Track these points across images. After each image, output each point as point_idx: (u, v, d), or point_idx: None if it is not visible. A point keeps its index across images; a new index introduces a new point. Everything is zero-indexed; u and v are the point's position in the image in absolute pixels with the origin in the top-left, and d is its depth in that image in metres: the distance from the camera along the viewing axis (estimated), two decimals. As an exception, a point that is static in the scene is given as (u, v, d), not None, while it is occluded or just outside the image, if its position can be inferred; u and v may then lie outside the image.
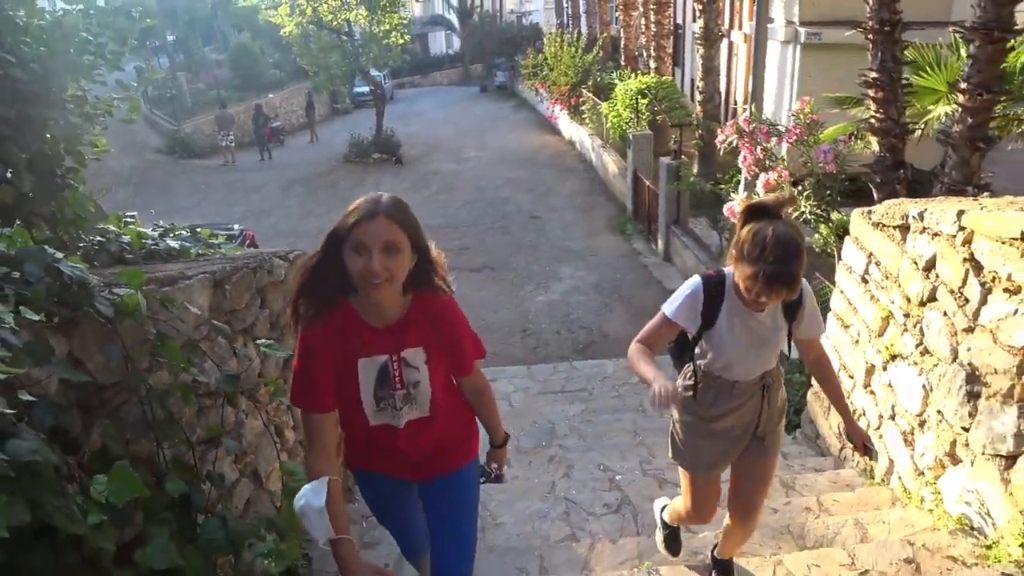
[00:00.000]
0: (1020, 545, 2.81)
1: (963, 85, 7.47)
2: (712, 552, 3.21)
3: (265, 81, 30.69)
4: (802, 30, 14.20)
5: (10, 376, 1.62)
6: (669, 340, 2.73)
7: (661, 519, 3.35)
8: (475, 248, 13.40)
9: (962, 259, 3.23)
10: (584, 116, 20.10)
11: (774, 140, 6.28)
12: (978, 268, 3.13)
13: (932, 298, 3.52)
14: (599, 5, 30.23)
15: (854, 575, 3.01)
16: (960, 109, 7.72)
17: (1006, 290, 2.94)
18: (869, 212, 4.26)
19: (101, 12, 3.43)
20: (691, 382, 2.71)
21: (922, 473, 3.66)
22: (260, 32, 37.33)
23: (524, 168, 19.74)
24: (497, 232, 14.39)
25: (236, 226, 12.30)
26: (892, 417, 3.97)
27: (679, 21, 21.67)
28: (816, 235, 6.63)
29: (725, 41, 19.37)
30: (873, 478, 4.17)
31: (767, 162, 6.33)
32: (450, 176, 19.24)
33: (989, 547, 3.05)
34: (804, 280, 2.42)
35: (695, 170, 12.74)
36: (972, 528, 3.21)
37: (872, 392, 4.20)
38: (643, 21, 19.96)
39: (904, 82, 8.81)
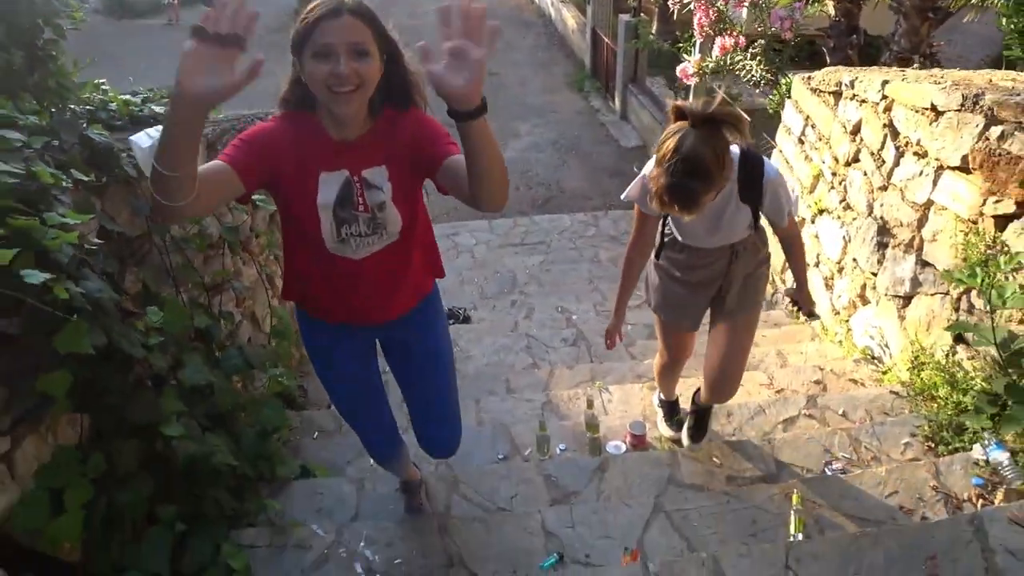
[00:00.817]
0: (907, 369, 3.37)
1: (918, -46, 7.61)
2: (693, 398, 3.15)
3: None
4: None
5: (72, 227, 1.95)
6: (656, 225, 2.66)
7: (659, 399, 3.39)
8: (431, 106, 13.38)
9: (882, 124, 3.63)
10: (543, -35, 19.56)
11: (731, 2, 6.45)
12: (895, 133, 3.54)
13: (856, 159, 3.93)
14: None
15: (771, 392, 3.58)
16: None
17: (915, 153, 3.37)
18: (809, 78, 4.59)
19: None
20: (666, 239, 2.70)
21: (838, 312, 4.21)
22: None
23: (482, 21, 19.31)
24: (455, 88, 14.33)
25: None
26: (816, 265, 4.48)
27: None
28: (768, 98, 6.94)
29: None
30: (798, 318, 4.73)
31: (721, 25, 6.53)
32: (406, 32, 18.45)
33: (885, 372, 3.62)
34: (772, 170, 2.41)
35: (654, 28, 12.69)
36: (873, 357, 3.78)
37: (820, 240, 4.68)
38: None
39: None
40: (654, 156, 2.20)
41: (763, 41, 6.57)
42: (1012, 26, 5.28)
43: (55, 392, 1.82)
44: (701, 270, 2.68)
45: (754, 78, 6.31)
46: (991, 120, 2.82)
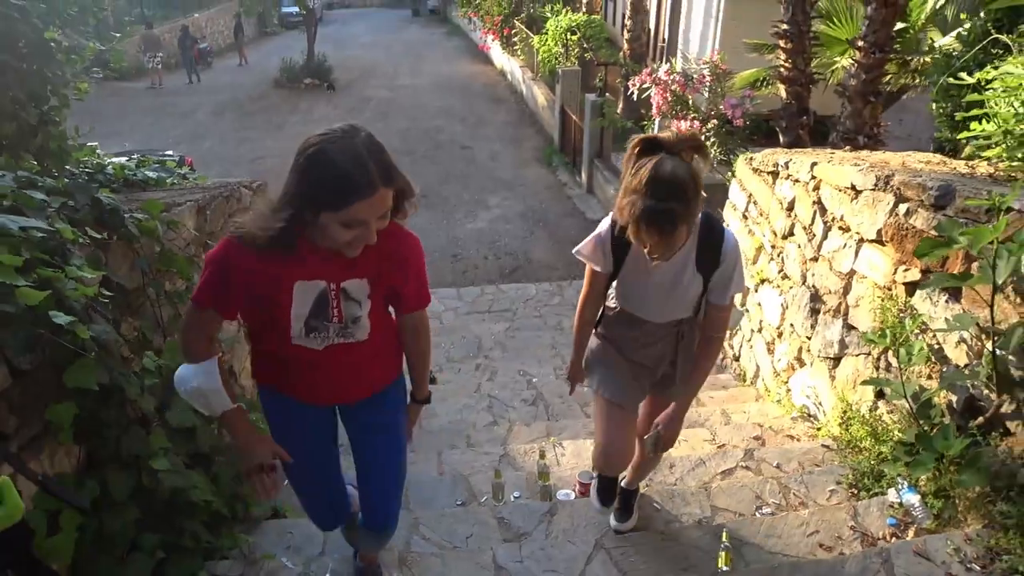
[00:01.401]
0: (838, 424, 3.67)
1: (860, 43, 8.27)
2: (619, 483, 3.03)
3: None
4: (726, -25, 14.80)
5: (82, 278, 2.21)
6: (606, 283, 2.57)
7: (593, 476, 3.27)
8: (408, 176, 13.82)
9: (812, 202, 4.01)
10: (516, 48, 20.42)
11: (688, 89, 6.96)
12: (823, 210, 3.92)
13: (791, 233, 4.31)
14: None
15: (713, 447, 3.85)
16: (856, 65, 8.55)
17: (840, 228, 3.74)
18: (751, 159, 5.01)
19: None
20: (611, 306, 2.60)
21: (778, 374, 4.52)
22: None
23: (457, 97, 20.06)
24: (430, 161, 14.83)
25: (170, 152, 12.36)
26: (760, 331, 4.81)
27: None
28: (726, 175, 7.41)
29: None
30: (744, 381, 5.04)
31: (677, 108, 7.03)
32: (384, 103, 19.43)
33: (819, 428, 3.92)
34: (733, 240, 2.37)
35: (619, 107, 13.35)
36: (809, 415, 4.08)
37: (747, 310, 5.03)
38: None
39: (812, 35, 9.59)
40: (623, 189, 2.12)
41: (716, 122, 7.07)
42: (940, 110, 5.78)
43: (61, 421, 2.06)
44: (648, 348, 2.60)
45: (713, 156, 6.77)
46: (899, 198, 3.19)
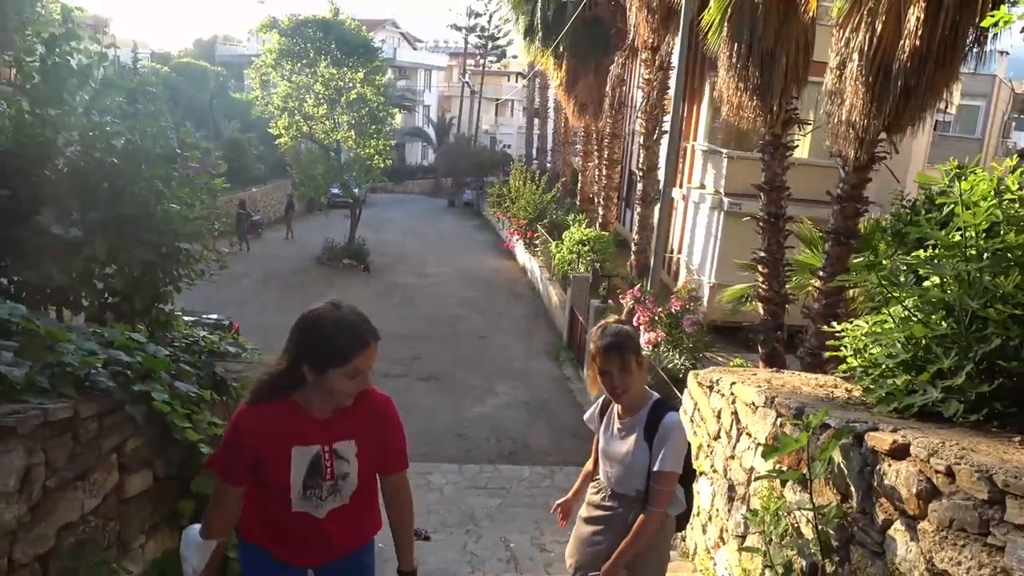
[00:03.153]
0: (740, 590, 4.64)
1: (820, 273, 9.73)
2: None
3: (250, 175, 32.74)
4: (726, 200, 16.72)
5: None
6: None
7: None
8: (426, 359, 15.20)
9: (731, 412, 5.19)
10: (537, 249, 22.42)
11: (659, 308, 8.38)
12: (738, 420, 5.08)
13: (718, 436, 5.45)
14: (563, 146, 33.30)
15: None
16: (817, 291, 9.97)
17: (746, 434, 4.89)
18: (697, 374, 6.24)
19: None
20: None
21: (708, 551, 5.50)
22: (249, 124, 39.57)
23: (479, 289, 21.85)
24: (447, 347, 16.22)
25: (214, 316, 13.54)
26: (698, 514, 5.83)
27: (633, 168, 24.47)
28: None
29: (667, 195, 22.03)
30: (688, 557, 5.99)
31: (653, 323, 8.43)
32: (412, 290, 21.22)
33: (730, 594, 4.87)
34: (676, 420, 3.26)
35: (624, 313, 14.87)
36: (725, 584, 5.03)
37: (696, 492, 6.06)
38: (597, 173, 22.60)
39: (786, 262, 11.15)
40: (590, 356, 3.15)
41: (686, 338, 8.43)
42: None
43: (185, 512, 3.20)
44: (593, 522, 3.29)
45: (674, 364, 8.05)
46: (778, 414, 4.37)
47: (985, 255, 3.66)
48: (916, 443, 3.04)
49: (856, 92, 9.00)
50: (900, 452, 3.14)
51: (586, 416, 3.58)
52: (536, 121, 42.55)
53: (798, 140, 12.69)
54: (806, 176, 14.37)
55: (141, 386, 3.00)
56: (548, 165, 40.42)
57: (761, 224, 11.92)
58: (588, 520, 3.39)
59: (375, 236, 27.08)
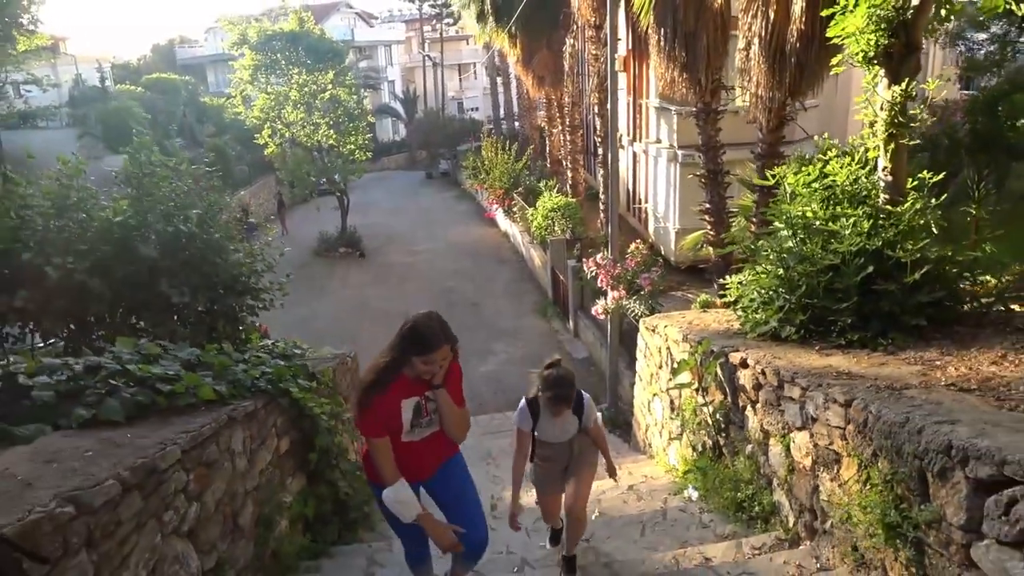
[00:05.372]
0: (682, 472, 6.66)
1: (753, 218, 11.59)
2: (560, 553, 4.83)
3: (235, 180, 34.22)
4: (680, 152, 18.53)
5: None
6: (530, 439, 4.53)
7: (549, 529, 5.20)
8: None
9: (666, 347, 7.18)
10: (515, 216, 24.25)
11: (618, 270, 10.32)
12: (671, 352, 7.08)
13: (661, 366, 7.46)
14: (528, 112, 34.80)
15: (595, 498, 6.82)
16: (752, 234, 11.84)
17: (675, 367, 6.88)
18: (645, 322, 8.23)
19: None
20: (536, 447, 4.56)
21: (664, 449, 7.55)
22: (224, 127, 40.71)
23: (467, 259, 23.76)
24: (446, 317, 18.09)
25: None
26: (656, 424, 7.88)
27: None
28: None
29: (630, 149, 23.80)
30: (652, 456, 8.04)
31: (614, 281, 10.38)
32: (406, 268, 23.12)
33: (676, 479, 6.91)
34: (588, 399, 4.50)
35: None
36: (676, 469, 7.08)
37: (651, 411, 8.10)
38: (561, 138, 24.32)
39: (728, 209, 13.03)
40: (536, 390, 4.37)
41: (642, 292, 10.39)
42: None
43: (312, 460, 5.16)
44: (556, 458, 4.61)
45: (635, 313, 10.01)
46: (690, 345, 6.35)
47: (799, 231, 5.59)
48: (751, 357, 5.04)
49: (760, 69, 10.83)
50: (744, 363, 5.16)
51: (521, 424, 4.53)
52: (500, 81, 43.59)
53: (727, 103, 14.49)
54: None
55: (283, 385, 4.91)
56: (516, 126, 41.85)
57: (703, 179, 13.85)
58: (548, 465, 4.66)
59: (363, 220, 28.70)
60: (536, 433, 4.56)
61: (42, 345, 6.08)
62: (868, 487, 3.52)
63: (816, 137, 8.56)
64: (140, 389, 3.80)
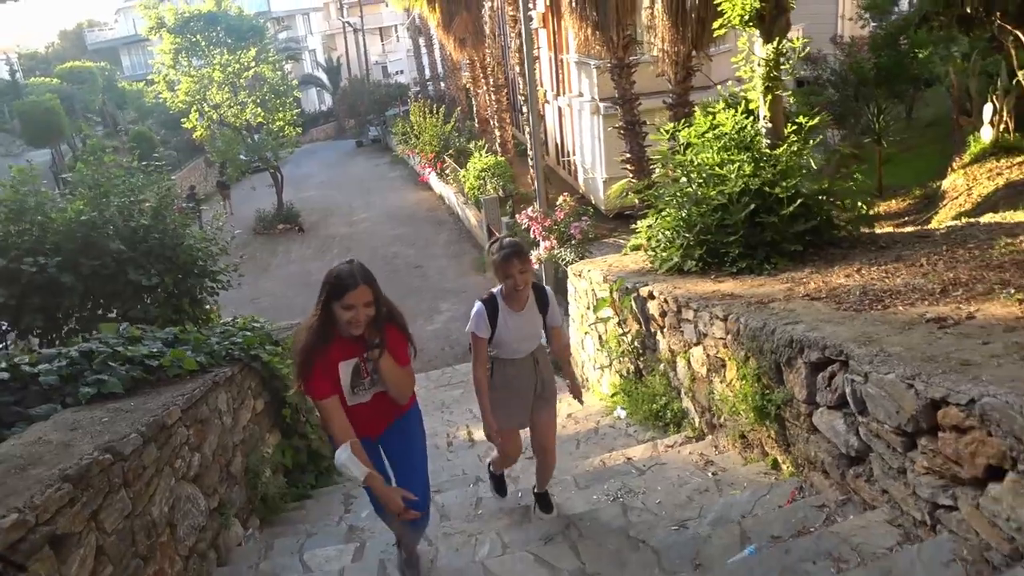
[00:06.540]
0: (611, 395, 7.55)
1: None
2: (532, 490, 4.53)
3: (164, 164, 33.76)
4: (601, 105, 19.29)
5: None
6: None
7: (489, 472, 4.78)
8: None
9: (592, 289, 8.01)
10: (448, 177, 24.81)
11: (548, 221, 11.12)
12: (595, 293, 7.91)
13: (589, 306, 8.30)
14: (453, 73, 35.09)
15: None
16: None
17: (598, 302, 7.71)
18: (572, 268, 9.04)
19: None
20: (491, 368, 4.01)
21: (599, 380, 8.43)
22: (145, 112, 39.99)
23: (406, 225, 24.29)
24: (391, 282, 18.70)
25: None
26: (589, 359, 8.75)
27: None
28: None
29: (555, 104, 24.48)
30: (589, 390, 8.93)
31: (546, 232, 11.18)
32: (346, 239, 23.56)
33: (608, 403, 7.80)
34: (549, 289, 4.18)
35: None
36: (607, 396, 7.97)
37: (584, 348, 8.97)
38: (487, 98, 24.84)
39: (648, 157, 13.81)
40: (494, 267, 3.87)
41: (573, 241, 11.22)
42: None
43: (286, 415, 5.87)
44: (519, 382, 4.09)
45: (567, 261, 10.85)
46: (609, 284, 7.18)
47: (694, 176, 6.42)
48: (656, 289, 5.88)
49: (665, 26, 11.62)
50: (651, 295, 6.00)
51: (477, 329, 3.95)
52: (423, 43, 43.43)
53: (640, 56, 15.24)
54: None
55: (253, 352, 5.59)
56: (443, 87, 41.93)
57: (621, 131, 14.65)
58: (506, 398, 4.12)
59: (299, 195, 28.88)
60: (495, 351, 4.04)
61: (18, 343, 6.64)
62: (744, 382, 4.39)
63: (719, 86, 9.44)
64: (132, 366, 4.45)
